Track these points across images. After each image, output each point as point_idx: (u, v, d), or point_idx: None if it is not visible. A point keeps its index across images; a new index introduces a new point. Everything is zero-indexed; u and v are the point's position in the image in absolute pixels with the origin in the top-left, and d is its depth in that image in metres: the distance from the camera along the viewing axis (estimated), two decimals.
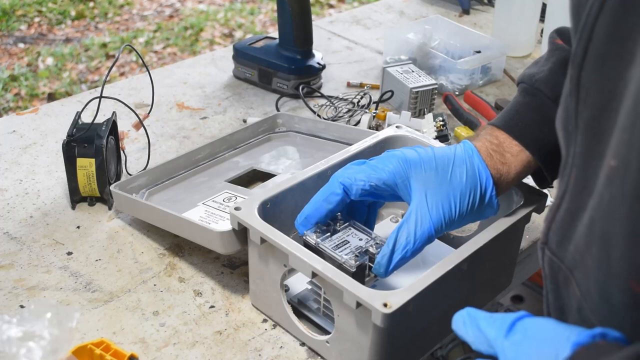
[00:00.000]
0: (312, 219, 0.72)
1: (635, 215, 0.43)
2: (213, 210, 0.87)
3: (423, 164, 0.69)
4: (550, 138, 0.64)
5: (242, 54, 1.26)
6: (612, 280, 0.47)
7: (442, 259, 0.67)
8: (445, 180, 0.68)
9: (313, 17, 1.35)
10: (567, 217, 0.53)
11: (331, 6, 3.97)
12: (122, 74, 3.16)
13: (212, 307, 0.78)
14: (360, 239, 0.74)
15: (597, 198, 0.47)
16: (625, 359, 0.39)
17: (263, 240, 0.70)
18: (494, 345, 0.47)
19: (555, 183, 0.69)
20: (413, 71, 1.19)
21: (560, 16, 1.26)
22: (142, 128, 0.99)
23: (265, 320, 0.77)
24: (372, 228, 0.77)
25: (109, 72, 0.93)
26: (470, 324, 0.49)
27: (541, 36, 1.45)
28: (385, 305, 0.60)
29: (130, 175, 0.97)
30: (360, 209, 0.76)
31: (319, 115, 1.15)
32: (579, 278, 0.52)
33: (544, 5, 1.43)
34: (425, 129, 1.05)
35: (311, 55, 1.24)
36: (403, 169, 0.69)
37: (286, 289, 0.76)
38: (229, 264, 0.85)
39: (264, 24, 3.76)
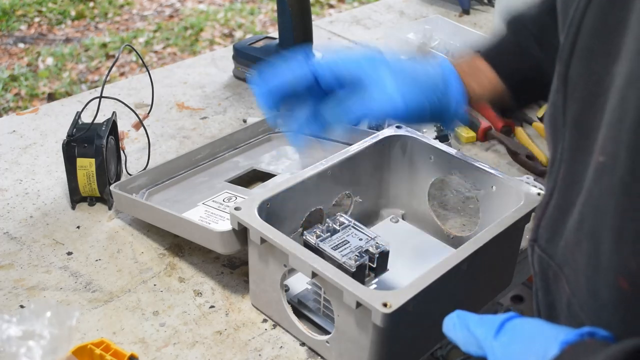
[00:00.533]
0: (269, 82, 0.68)
1: (623, 211, 0.43)
2: (213, 210, 0.87)
3: (396, 62, 0.69)
4: (527, 74, 0.68)
5: (242, 54, 1.26)
6: (600, 276, 0.47)
7: (442, 259, 0.67)
8: (416, 77, 0.68)
9: (313, 17, 1.35)
10: (557, 214, 0.53)
11: (331, 6, 3.97)
12: (122, 74, 3.16)
13: (212, 307, 0.78)
14: (360, 239, 0.74)
15: (586, 194, 0.48)
16: (612, 356, 0.40)
17: (263, 240, 0.70)
18: (483, 346, 0.47)
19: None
20: None
21: None
22: (142, 128, 0.99)
23: (265, 320, 0.77)
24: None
25: (109, 72, 0.93)
26: (460, 326, 0.49)
27: None
28: (385, 305, 0.60)
29: (130, 175, 0.97)
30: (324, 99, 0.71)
31: None
32: (568, 274, 0.52)
33: None
34: (425, 129, 1.05)
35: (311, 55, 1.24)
36: (374, 60, 0.68)
37: (286, 289, 0.76)
38: (229, 264, 0.85)
39: (264, 24, 3.76)
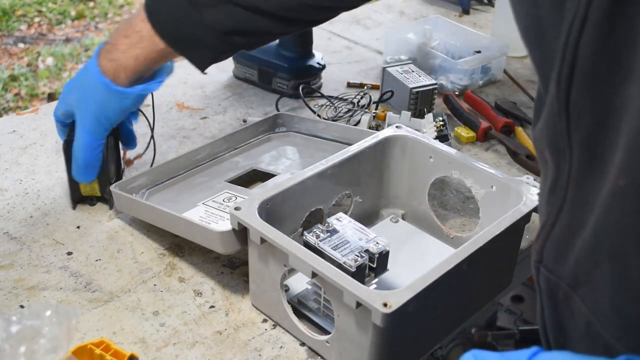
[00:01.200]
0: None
1: None
2: (213, 210, 0.87)
3: (87, 90, 0.86)
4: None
5: (242, 54, 1.26)
6: (630, 296, 0.46)
7: (442, 259, 0.67)
8: (82, 97, 0.86)
9: None
10: (566, 234, 0.52)
11: None
12: None
13: (212, 307, 0.78)
14: (360, 239, 0.74)
15: (602, 216, 0.47)
16: None
17: (263, 240, 0.70)
18: None
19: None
20: (413, 71, 1.19)
21: None
22: (150, 129, 1.00)
23: (265, 320, 0.77)
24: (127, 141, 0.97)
25: None
26: None
27: None
28: (385, 305, 0.60)
29: (129, 175, 0.97)
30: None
31: (319, 115, 1.15)
32: (584, 295, 0.51)
33: None
34: (425, 129, 1.05)
35: (311, 55, 1.24)
36: (71, 98, 0.87)
37: (286, 289, 0.76)
38: (229, 264, 0.85)
39: None
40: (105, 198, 0.92)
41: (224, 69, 1.32)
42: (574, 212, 0.51)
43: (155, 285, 0.81)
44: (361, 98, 1.19)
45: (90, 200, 0.93)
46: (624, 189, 0.44)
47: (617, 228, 0.46)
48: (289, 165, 0.99)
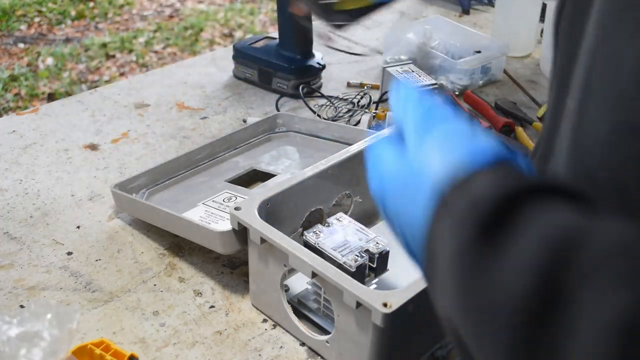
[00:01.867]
0: None
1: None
2: (213, 210, 0.87)
3: None
4: None
5: (242, 54, 1.26)
6: None
7: None
8: None
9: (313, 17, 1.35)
10: (541, 163, 0.54)
11: None
12: (122, 74, 3.16)
13: (212, 307, 0.78)
14: (360, 239, 0.74)
15: (560, 151, 0.48)
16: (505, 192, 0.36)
17: (263, 240, 0.70)
18: (405, 130, 0.46)
19: None
20: (413, 71, 1.19)
21: None
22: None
23: (265, 320, 0.77)
24: None
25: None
26: (405, 99, 0.47)
27: (541, 36, 1.45)
28: (385, 305, 0.60)
29: (130, 175, 0.97)
30: None
31: (319, 115, 1.15)
32: None
33: (544, 5, 1.43)
34: None
35: (311, 55, 1.24)
36: None
37: (286, 289, 0.76)
38: (229, 264, 0.85)
39: (264, 24, 3.76)
40: (368, 8, 0.86)
41: (224, 69, 1.32)
42: (546, 141, 0.53)
43: (155, 285, 0.81)
44: (361, 98, 1.19)
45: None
46: (571, 110, 0.45)
47: (566, 158, 0.47)
48: (289, 165, 0.99)
